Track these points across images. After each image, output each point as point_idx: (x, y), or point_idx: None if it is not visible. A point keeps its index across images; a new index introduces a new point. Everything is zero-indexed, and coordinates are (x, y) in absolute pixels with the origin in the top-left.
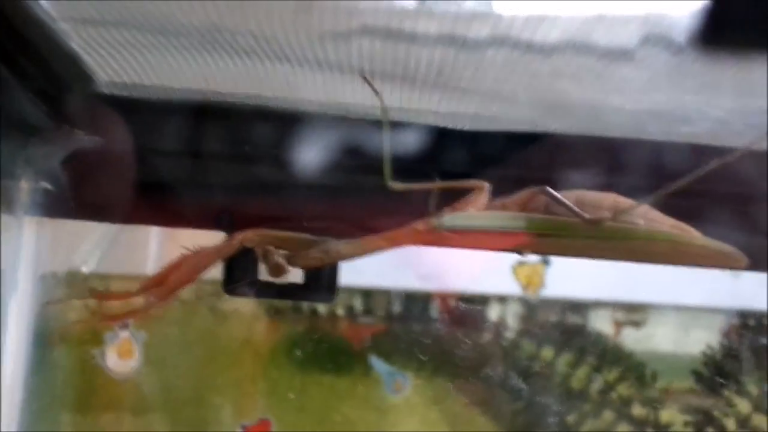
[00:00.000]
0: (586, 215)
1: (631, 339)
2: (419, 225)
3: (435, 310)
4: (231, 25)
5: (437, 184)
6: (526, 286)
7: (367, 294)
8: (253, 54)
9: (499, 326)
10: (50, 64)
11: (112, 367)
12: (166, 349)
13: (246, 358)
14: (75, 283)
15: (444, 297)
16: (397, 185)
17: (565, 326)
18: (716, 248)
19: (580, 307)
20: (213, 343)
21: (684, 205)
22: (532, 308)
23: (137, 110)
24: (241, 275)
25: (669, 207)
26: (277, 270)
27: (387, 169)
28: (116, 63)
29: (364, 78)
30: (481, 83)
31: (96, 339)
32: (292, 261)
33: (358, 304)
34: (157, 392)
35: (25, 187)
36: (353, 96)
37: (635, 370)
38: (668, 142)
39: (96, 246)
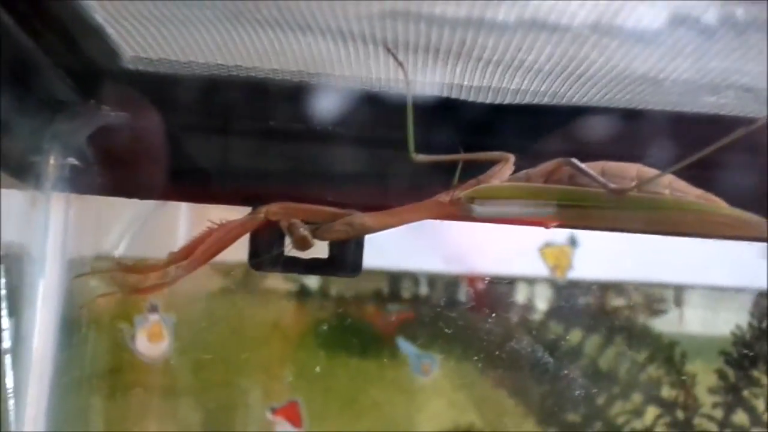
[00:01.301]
0: (611, 185)
1: (660, 320)
2: (443, 197)
3: (462, 292)
4: None
5: (461, 156)
6: (554, 268)
7: (395, 277)
8: (278, 27)
9: (527, 308)
10: (76, 40)
11: (142, 350)
12: (195, 333)
13: (274, 341)
14: (103, 262)
15: (472, 279)
16: (421, 157)
17: (594, 307)
18: (742, 217)
19: (608, 287)
20: (242, 327)
21: (708, 175)
22: (559, 290)
23: (163, 85)
24: (267, 250)
25: (694, 178)
26: (302, 243)
27: (410, 140)
28: (141, 37)
29: (388, 49)
30: (503, 56)
31: (126, 322)
32: (317, 234)
33: (385, 286)
34: (187, 375)
35: (52, 163)
36: (379, 71)
37: (664, 351)
38: (692, 112)
39: (125, 229)
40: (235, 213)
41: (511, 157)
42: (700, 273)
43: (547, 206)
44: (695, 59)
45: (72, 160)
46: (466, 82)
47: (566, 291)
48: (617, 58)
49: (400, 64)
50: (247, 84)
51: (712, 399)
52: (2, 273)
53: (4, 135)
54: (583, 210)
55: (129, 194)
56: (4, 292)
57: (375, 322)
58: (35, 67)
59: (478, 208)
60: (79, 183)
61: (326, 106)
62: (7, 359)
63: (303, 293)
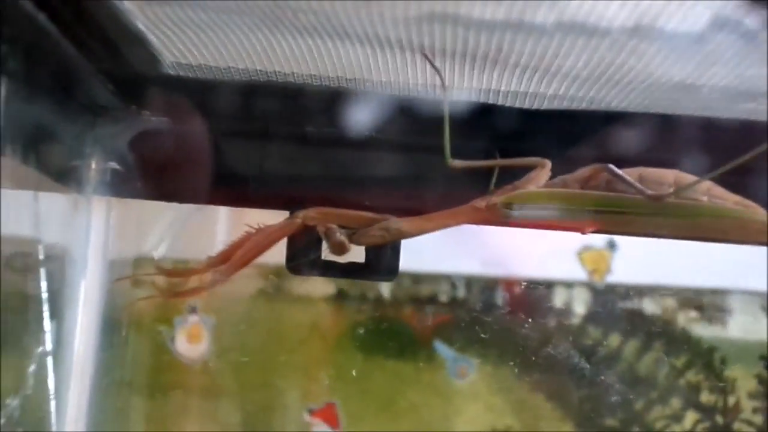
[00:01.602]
0: (649, 191)
1: (699, 325)
2: (479, 202)
3: (500, 296)
4: (293, 4)
5: (497, 162)
6: (592, 272)
7: (432, 279)
8: (315, 33)
9: (565, 312)
10: (118, 45)
11: (181, 351)
12: (234, 334)
13: (312, 343)
14: (142, 264)
15: (510, 283)
16: (457, 162)
17: (632, 312)
18: None
19: (647, 292)
20: (280, 328)
21: (746, 182)
22: (597, 294)
23: (203, 90)
24: (304, 254)
25: (732, 184)
26: (339, 248)
27: (447, 146)
28: (181, 43)
29: (425, 56)
30: (541, 61)
31: (166, 323)
32: (353, 239)
33: (422, 289)
34: (226, 376)
35: (94, 167)
36: (416, 76)
37: (703, 356)
38: (730, 119)
39: (165, 231)
40: (273, 217)
41: (548, 163)
42: (740, 277)
43: (584, 212)
44: (734, 65)
45: (113, 164)
46: (503, 88)
47: (604, 295)
48: (655, 64)
49: (437, 70)
50: (285, 89)
51: (751, 404)
52: (44, 276)
53: (47, 140)
54: (621, 216)
55: (169, 198)
56: (45, 295)
57: (412, 325)
58: (77, 73)
59: (514, 214)
60: (120, 187)
61: (363, 111)
62: (49, 361)
63: (341, 296)
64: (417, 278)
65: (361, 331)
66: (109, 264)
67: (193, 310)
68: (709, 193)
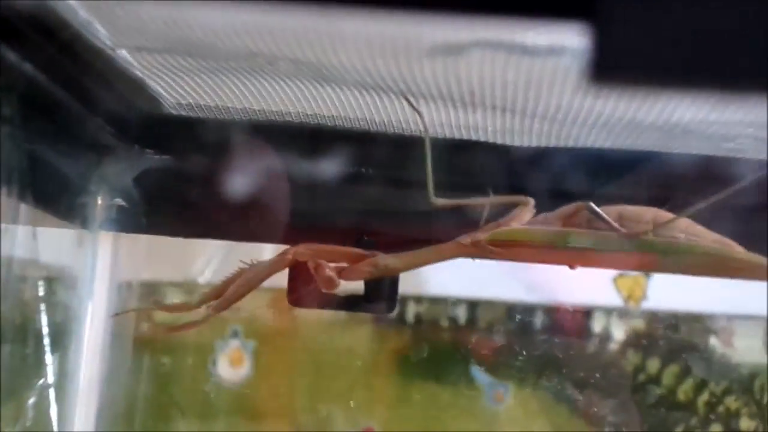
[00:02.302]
0: (623, 230)
1: (738, 351)
2: (465, 239)
3: (538, 320)
4: (268, 52)
5: (481, 200)
6: (627, 298)
7: (471, 304)
8: (299, 77)
9: (603, 337)
10: (117, 90)
11: (223, 375)
12: (274, 358)
13: (351, 367)
14: (148, 292)
15: (562, 309)
16: (441, 201)
17: (672, 338)
18: (758, 262)
19: (685, 318)
20: (319, 352)
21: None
22: (636, 319)
23: (203, 129)
24: (304, 286)
25: (715, 221)
26: (328, 283)
27: (429, 184)
28: (179, 86)
29: (405, 99)
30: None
31: (206, 348)
32: (342, 274)
33: (462, 314)
34: (266, 400)
35: (100, 204)
36: (398, 116)
37: (743, 382)
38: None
39: (210, 258)
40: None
41: (531, 201)
42: None
43: (564, 249)
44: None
45: (119, 201)
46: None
47: (643, 320)
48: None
49: (418, 111)
50: (286, 128)
51: None
52: (44, 310)
53: (52, 180)
54: (600, 253)
55: (173, 233)
56: (46, 329)
57: (452, 347)
58: (81, 117)
59: (497, 251)
60: (125, 222)
61: (355, 148)
62: (51, 393)
63: (380, 320)
64: (457, 303)
65: (401, 355)
66: (115, 296)
67: (234, 334)
68: (688, 230)
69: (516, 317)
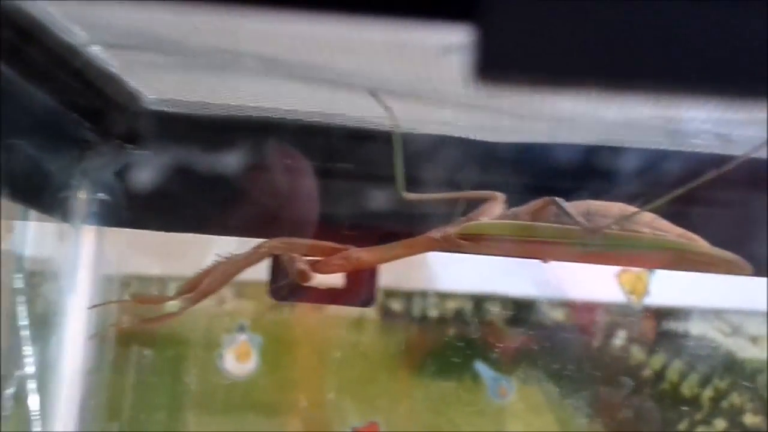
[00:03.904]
0: (587, 224)
1: (742, 347)
2: (435, 233)
3: (543, 316)
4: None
5: (451, 194)
6: (630, 294)
7: (477, 299)
8: (265, 74)
9: (607, 333)
10: (96, 86)
11: (230, 369)
12: (281, 353)
13: (356, 362)
14: (130, 285)
15: (568, 304)
16: (410, 195)
17: (676, 333)
18: (722, 257)
19: (689, 314)
20: (325, 347)
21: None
22: (640, 315)
23: (183, 124)
24: (284, 279)
25: (683, 215)
26: (301, 276)
27: (399, 179)
28: (156, 82)
29: (372, 94)
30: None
31: (216, 342)
32: (315, 268)
33: (467, 308)
34: (272, 394)
35: (81, 198)
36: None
37: (747, 378)
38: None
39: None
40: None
41: (500, 196)
42: None
43: (532, 243)
44: None
45: (101, 195)
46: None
47: (647, 316)
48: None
49: (386, 107)
50: (263, 124)
51: None
52: (25, 302)
53: (33, 176)
54: (567, 247)
55: (155, 227)
56: (26, 321)
57: (457, 342)
58: (61, 113)
59: (467, 245)
60: (108, 216)
61: (329, 144)
62: (31, 383)
63: (385, 315)
64: (462, 298)
65: (404, 350)
66: (98, 290)
67: (241, 329)
68: (652, 225)
69: (521, 312)
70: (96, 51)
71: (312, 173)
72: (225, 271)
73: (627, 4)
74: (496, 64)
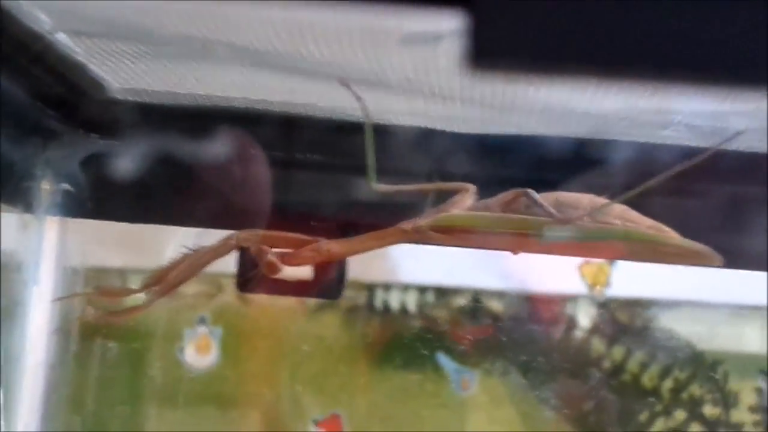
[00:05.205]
0: (558, 215)
1: (701, 338)
2: (406, 225)
3: (506, 308)
4: (203, 37)
5: (422, 186)
6: (592, 285)
7: (440, 291)
8: (234, 62)
9: (569, 325)
10: (60, 73)
11: (190, 361)
12: (241, 345)
13: (318, 354)
14: (95, 277)
15: (530, 297)
16: (382, 187)
17: (636, 325)
18: (692, 248)
19: (650, 305)
20: (287, 339)
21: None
22: (601, 307)
23: (148, 113)
24: (252, 271)
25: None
26: (270, 268)
27: (371, 170)
28: (121, 71)
29: (344, 83)
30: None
31: (177, 335)
32: (285, 260)
33: (430, 301)
34: (233, 387)
35: (45, 189)
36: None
37: (707, 369)
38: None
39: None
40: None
41: (472, 187)
42: (739, 292)
43: (504, 235)
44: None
45: (65, 186)
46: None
47: (608, 308)
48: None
49: (358, 97)
50: (231, 113)
51: (752, 417)
52: None
53: None
54: (538, 238)
55: (119, 218)
56: None
57: (418, 334)
58: (23, 101)
59: (438, 236)
60: (71, 207)
61: (300, 134)
62: None
63: (348, 308)
64: (425, 290)
65: (367, 342)
66: (61, 282)
67: (202, 321)
68: (623, 216)
69: (483, 304)
70: (61, 38)
71: (265, 162)
72: (192, 264)
73: None
74: (488, 52)
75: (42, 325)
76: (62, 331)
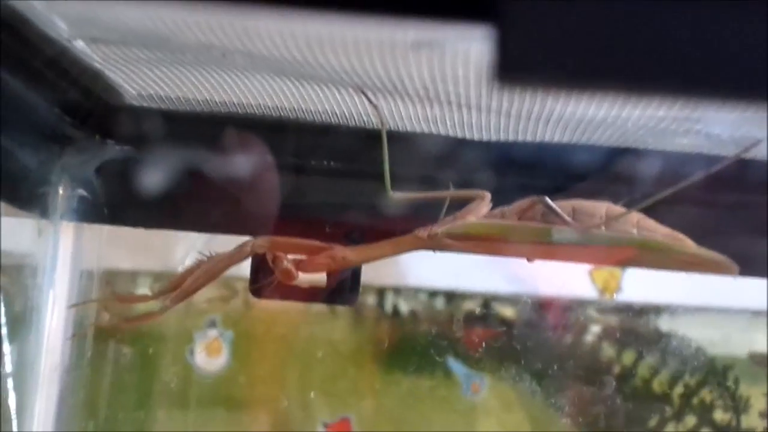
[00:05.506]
0: (575, 223)
1: (711, 344)
2: (422, 232)
3: (517, 312)
4: (221, 46)
5: (438, 194)
6: (602, 290)
7: (450, 296)
8: (252, 70)
9: (579, 329)
10: (77, 80)
11: (200, 364)
12: (251, 348)
13: (329, 357)
14: (109, 282)
15: (541, 301)
16: (398, 195)
17: (647, 330)
18: (708, 257)
19: (661, 310)
20: (298, 343)
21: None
22: (612, 312)
23: (165, 120)
24: (266, 277)
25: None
26: (286, 275)
27: (387, 178)
28: (138, 77)
29: (362, 92)
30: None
31: (188, 338)
32: (300, 267)
33: (441, 305)
34: (243, 390)
35: (61, 194)
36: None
37: (717, 375)
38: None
39: (190, 247)
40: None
41: (487, 195)
42: (750, 297)
43: (520, 242)
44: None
45: (81, 192)
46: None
47: (619, 313)
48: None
49: (374, 105)
50: (247, 120)
51: (763, 423)
52: (3, 299)
53: (10, 171)
54: (554, 246)
55: (134, 224)
56: (3, 319)
57: (429, 339)
58: (41, 107)
59: (454, 243)
60: (87, 213)
61: (314, 140)
62: (9, 382)
63: (358, 311)
64: (436, 294)
65: (377, 346)
66: (77, 286)
67: (212, 324)
68: (640, 224)
69: (494, 309)
70: (79, 45)
71: (274, 168)
72: (209, 270)
73: (646, 6)
74: (514, 66)
75: (57, 329)
76: (78, 335)
